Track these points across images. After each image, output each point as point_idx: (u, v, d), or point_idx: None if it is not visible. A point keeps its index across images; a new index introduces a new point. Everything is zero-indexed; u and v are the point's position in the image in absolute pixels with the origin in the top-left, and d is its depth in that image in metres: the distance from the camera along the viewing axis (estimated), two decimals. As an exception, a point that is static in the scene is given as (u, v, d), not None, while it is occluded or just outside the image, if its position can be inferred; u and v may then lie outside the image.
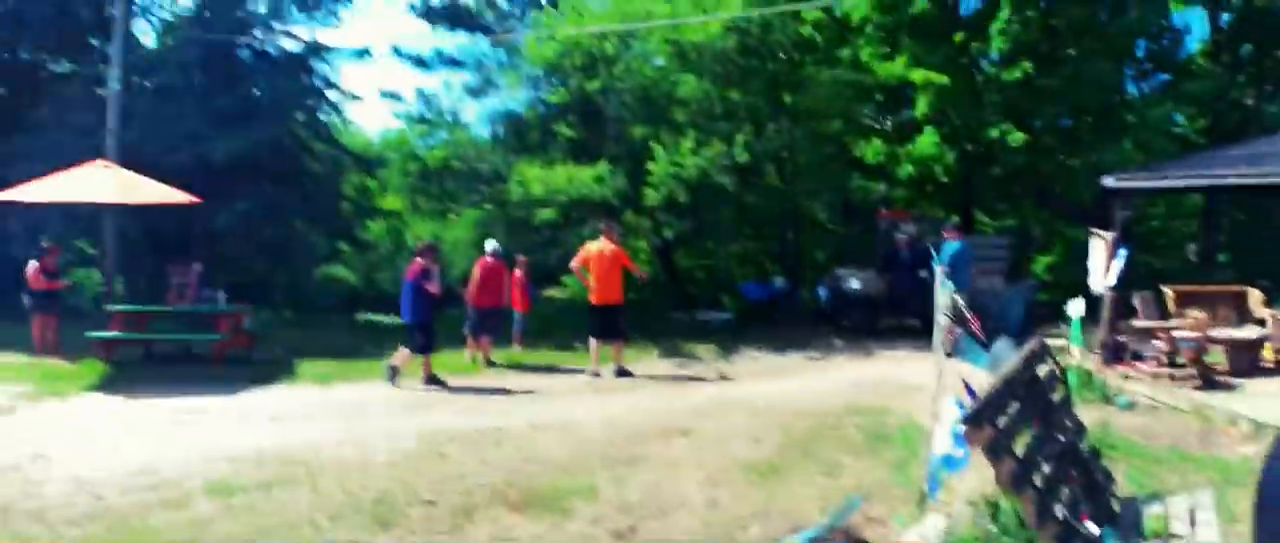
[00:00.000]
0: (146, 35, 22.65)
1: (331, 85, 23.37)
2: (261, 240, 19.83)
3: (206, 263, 15.64)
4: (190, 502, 6.26)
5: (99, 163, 13.78)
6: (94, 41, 21.04)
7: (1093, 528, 4.17)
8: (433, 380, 11.31)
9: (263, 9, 22.19)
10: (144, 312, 13.57)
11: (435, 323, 11.79)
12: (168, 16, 22.19)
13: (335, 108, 24.79)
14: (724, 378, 12.31)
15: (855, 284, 16.92)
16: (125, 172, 13.80)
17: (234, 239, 19.85)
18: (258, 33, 22.11)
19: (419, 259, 11.64)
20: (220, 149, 18.52)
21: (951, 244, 13.58)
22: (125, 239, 18.26)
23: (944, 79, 17.63)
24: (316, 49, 22.52)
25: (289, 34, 22.52)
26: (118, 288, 17.96)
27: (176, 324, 14.11)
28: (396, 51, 23.27)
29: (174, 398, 9.98)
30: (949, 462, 4.42)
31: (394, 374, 11.23)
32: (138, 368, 12.03)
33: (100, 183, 12.97)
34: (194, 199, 14.39)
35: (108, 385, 10.73)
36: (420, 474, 7.04)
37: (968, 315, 5.94)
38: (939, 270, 6.55)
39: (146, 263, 22.27)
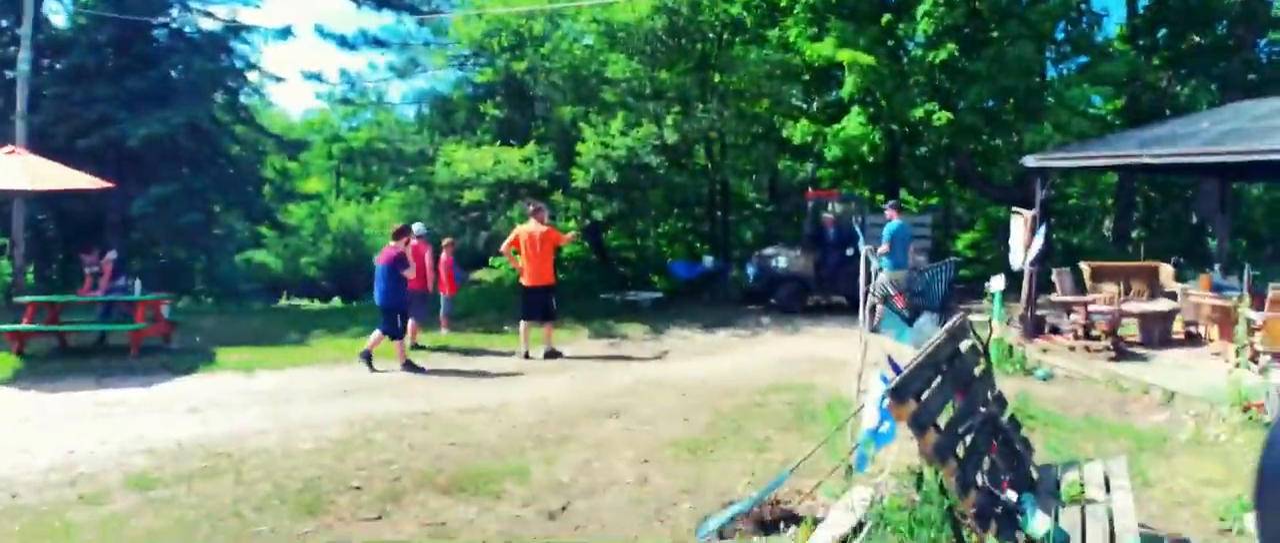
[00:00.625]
0: (57, 15, 21.90)
1: (252, 66, 22.81)
2: (179, 226, 19.26)
3: (122, 250, 15.15)
4: (109, 497, 6.06)
5: (7, 148, 13.19)
6: (2, 22, 20.19)
7: (1012, 495, 4.26)
8: (409, 366, 11.19)
9: (179, -14, 21.53)
10: (57, 302, 13.07)
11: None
12: (79, -5, 21.39)
13: (256, 89, 24.24)
14: (654, 357, 12.33)
15: (783, 263, 17.10)
16: (35, 157, 13.23)
17: (151, 225, 19.29)
18: (174, 12, 21.47)
19: (394, 243, 11.48)
20: (135, 132, 17.95)
21: (892, 224, 13.77)
22: (36, 227, 17.59)
23: (871, 60, 17.85)
24: (236, 29, 21.93)
25: (207, 13, 21.91)
26: (29, 278, 17.32)
27: (91, 314, 13.62)
28: (319, 31, 22.90)
29: (90, 391, 9.64)
30: (877, 437, 4.47)
31: (369, 359, 11.10)
32: (52, 361, 11.57)
33: (9, 169, 12.37)
34: (107, 184, 13.89)
35: (20, 380, 10.31)
36: (347, 461, 6.93)
37: (893, 293, 6.01)
38: (868, 250, 6.63)
39: (59, 252, 21.57)
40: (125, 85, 19.00)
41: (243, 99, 23.58)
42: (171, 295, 15.30)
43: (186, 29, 21.63)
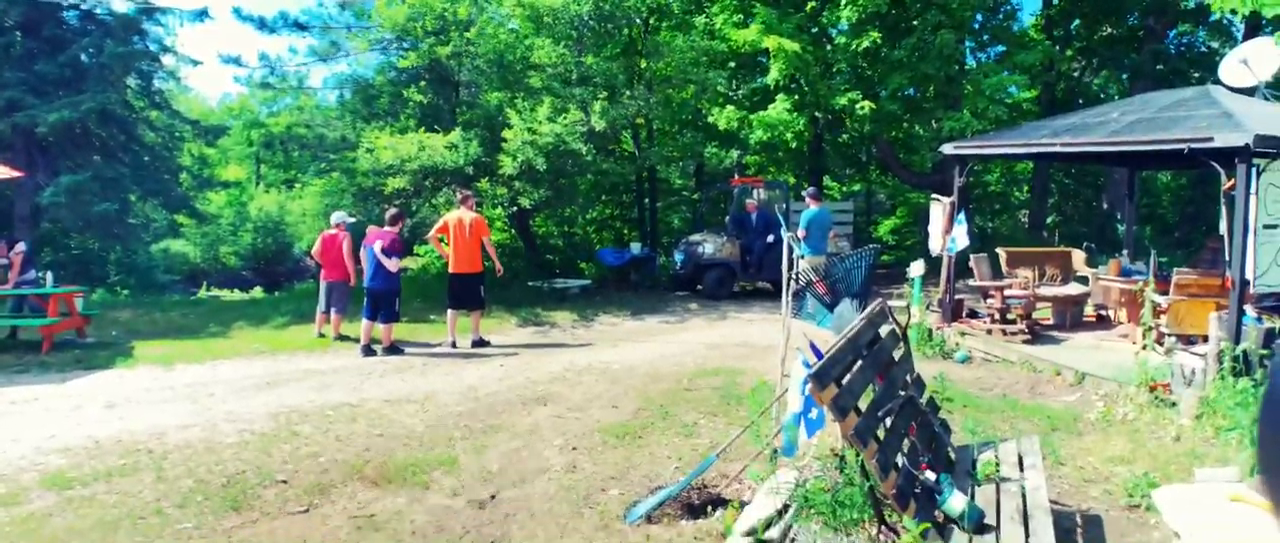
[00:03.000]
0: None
1: (167, 50, 22.07)
2: (93, 216, 18.62)
3: (33, 241, 14.60)
4: (26, 497, 5.87)
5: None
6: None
7: (930, 476, 4.40)
8: (392, 349, 11.51)
9: (90, -34, 20.77)
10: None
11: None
12: (-16, -24, 20.50)
13: (171, 73, 23.45)
14: (583, 345, 12.34)
15: (709, 249, 17.26)
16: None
17: (62, 215, 18.63)
18: (85, -8, 20.70)
19: (390, 228, 11.60)
20: (45, 119, 17.31)
21: (810, 211, 13.97)
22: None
23: (795, 47, 18.05)
24: (149, 10, 21.20)
25: (120, -6, 21.18)
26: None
27: (0, 309, 13.11)
28: (237, 13, 22.15)
29: (0, 388, 9.35)
30: (809, 424, 4.56)
31: (369, 350, 11.40)
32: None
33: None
34: (16, 173, 13.37)
35: (-79, 372, 9.94)
36: (272, 455, 6.82)
37: (814, 278, 6.11)
38: (789, 236, 6.72)
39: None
40: (34, 70, 18.31)
41: (158, 83, 22.82)
42: (85, 288, 14.81)
43: (98, 11, 20.87)
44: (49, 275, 12.90)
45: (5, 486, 6.09)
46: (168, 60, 22.48)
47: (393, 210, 12.11)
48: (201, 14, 21.38)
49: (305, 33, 21.87)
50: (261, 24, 22.05)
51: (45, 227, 19.76)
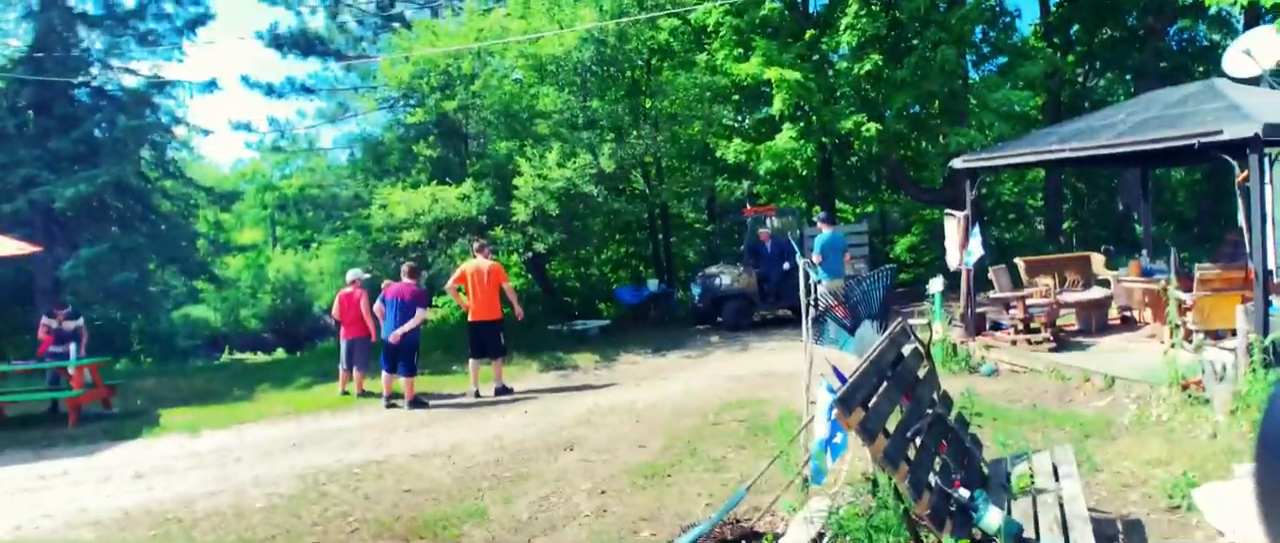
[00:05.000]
0: (-27, 79, 21.30)
1: (178, 120, 22.47)
2: (113, 286, 18.84)
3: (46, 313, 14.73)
4: (53, 570, 5.90)
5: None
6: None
7: (964, 493, 4.34)
8: (416, 403, 11.53)
9: (99, 46, 21.16)
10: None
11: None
12: (-2, 58, 20.92)
13: (184, 143, 23.84)
14: (606, 385, 12.31)
15: (726, 280, 17.23)
16: (-44, 225, 12.89)
17: (83, 287, 18.84)
18: (95, 70, 21.09)
19: (411, 281, 11.78)
20: (62, 193, 17.58)
21: (824, 235, 13.95)
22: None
23: (797, 76, 18.10)
24: (160, 84, 21.61)
25: (129, 70, 21.57)
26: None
27: (31, 383, 13.18)
28: (246, 80, 22.55)
29: (30, 463, 9.38)
30: (832, 447, 4.52)
31: (391, 403, 11.55)
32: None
33: (-70, 239, 12.05)
34: (34, 248, 13.55)
35: (-46, 456, 10.00)
36: (301, 517, 6.81)
37: (832, 303, 6.09)
38: (805, 262, 6.71)
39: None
40: (48, 146, 18.63)
41: (171, 154, 23.20)
42: (109, 358, 14.90)
43: (109, 87, 21.27)
44: (72, 347, 13.01)
45: (40, 565, 6.11)
46: (180, 131, 22.89)
47: (408, 264, 12.22)
48: (211, 84, 21.74)
49: (313, 96, 22.25)
50: (269, 90, 22.42)
51: (66, 299, 19.98)
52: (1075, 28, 24.55)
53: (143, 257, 20.47)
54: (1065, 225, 25.18)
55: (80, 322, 13.25)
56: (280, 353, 23.76)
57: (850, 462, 5.25)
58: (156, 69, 21.91)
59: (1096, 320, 12.08)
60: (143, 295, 21.11)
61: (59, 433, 10.99)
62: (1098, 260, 13.48)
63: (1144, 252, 13.42)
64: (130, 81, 21.51)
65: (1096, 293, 12.49)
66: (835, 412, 4.08)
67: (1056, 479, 4.91)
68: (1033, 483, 4.87)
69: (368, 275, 13.41)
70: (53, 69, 18.95)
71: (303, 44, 22.83)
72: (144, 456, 9.52)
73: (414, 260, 13.18)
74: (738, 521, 5.65)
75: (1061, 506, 4.53)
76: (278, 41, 22.63)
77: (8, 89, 19.50)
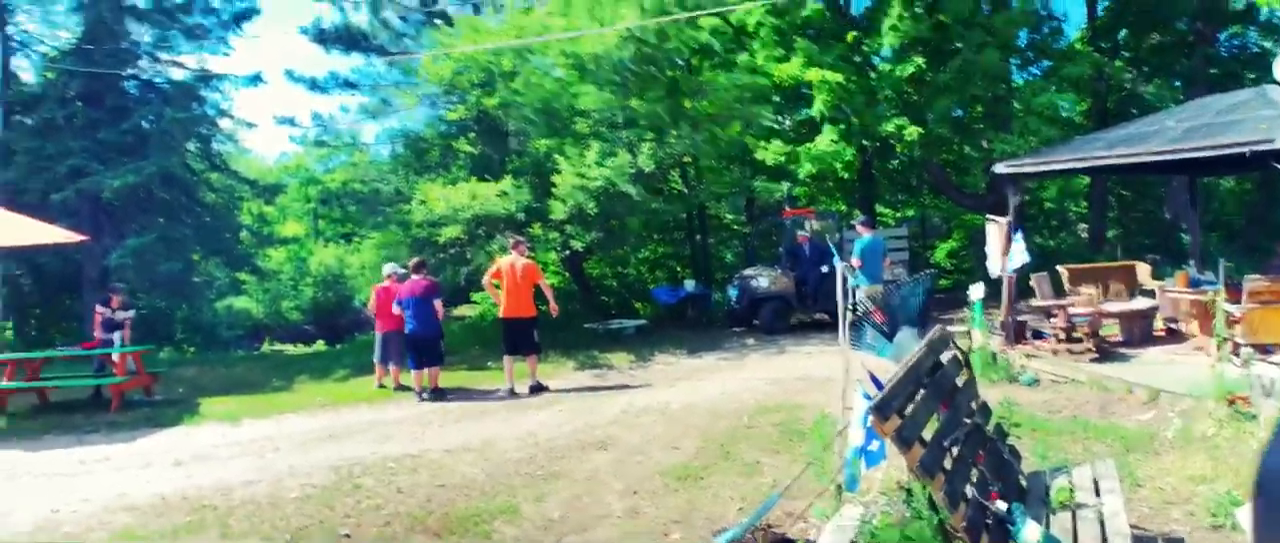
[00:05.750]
0: (26, 72, 21.80)
1: (224, 114, 22.82)
2: (158, 276, 19.20)
3: (95, 302, 15.01)
4: (92, 555, 5.98)
5: (-21, 205, 13.11)
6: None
7: (1002, 505, 4.26)
8: (436, 393, 11.85)
9: (147, 39, 21.52)
10: (36, 358, 12.92)
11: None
12: (48, 50, 21.32)
13: (229, 136, 24.17)
14: (640, 385, 12.29)
15: (764, 282, 17.14)
16: (7, 213, 13.13)
17: (129, 276, 19.19)
18: (143, 63, 21.45)
19: (421, 275, 12.07)
20: (110, 184, 17.90)
21: (863, 239, 13.83)
22: (12, 284, 17.47)
23: (838, 77, 17.98)
24: (206, 78, 21.95)
25: (177, 63, 21.93)
26: (7, 335, 17.15)
27: (75, 370, 13.44)
28: (290, 75, 22.84)
29: (72, 448, 9.54)
30: (868, 455, 4.46)
31: (439, 394, 11.78)
32: (33, 418, 11.43)
33: (-19, 226, 12.30)
34: (82, 238, 13.81)
35: (1, 439, 10.19)
36: (335, 508, 6.86)
37: (871, 308, 6.02)
38: (843, 266, 6.65)
39: (36, 307, 21.40)
40: (97, 138, 18.97)
41: (216, 146, 23.56)
42: (152, 346, 15.15)
43: (156, 80, 21.63)
44: (117, 335, 13.23)
45: (77, 548, 6.20)
46: (225, 124, 23.24)
47: (417, 260, 12.53)
48: (256, 78, 22.05)
49: (356, 91, 22.43)
50: (313, 85, 22.64)
51: (122, 288, 20.39)
52: (1123, 33, 24.16)
53: (188, 247, 20.81)
54: (1110, 234, 24.82)
55: (132, 312, 13.51)
56: (320, 345, 24.00)
57: (885, 470, 5.19)
58: (203, 62, 22.30)
59: (1141, 331, 11.86)
60: (187, 285, 21.47)
61: (101, 419, 11.17)
62: (1143, 270, 13.24)
63: (1191, 262, 13.17)
64: (177, 74, 21.91)
65: (1141, 303, 12.27)
66: (871, 418, 4.02)
67: (1097, 494, 4.82)
68: (1073, 497, 4.77)
69: (404, 270, 13.50)
70: (102, 61, 19.31)
71: (346, 39, 23.04)
72: (184, 443, 9.66)
73: (421, 258, 13.28)
74: (770, 526, 5.61)
75: (1102, 522, 4.44)
76: (322, 37, 22.86)
77: (58, 80, 19.87)
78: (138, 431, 10.42)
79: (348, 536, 6.22)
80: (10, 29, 19.91)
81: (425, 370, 11.81)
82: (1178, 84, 23.78)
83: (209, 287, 24.91)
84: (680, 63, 19.27)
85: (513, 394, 11.82)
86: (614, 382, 12.83)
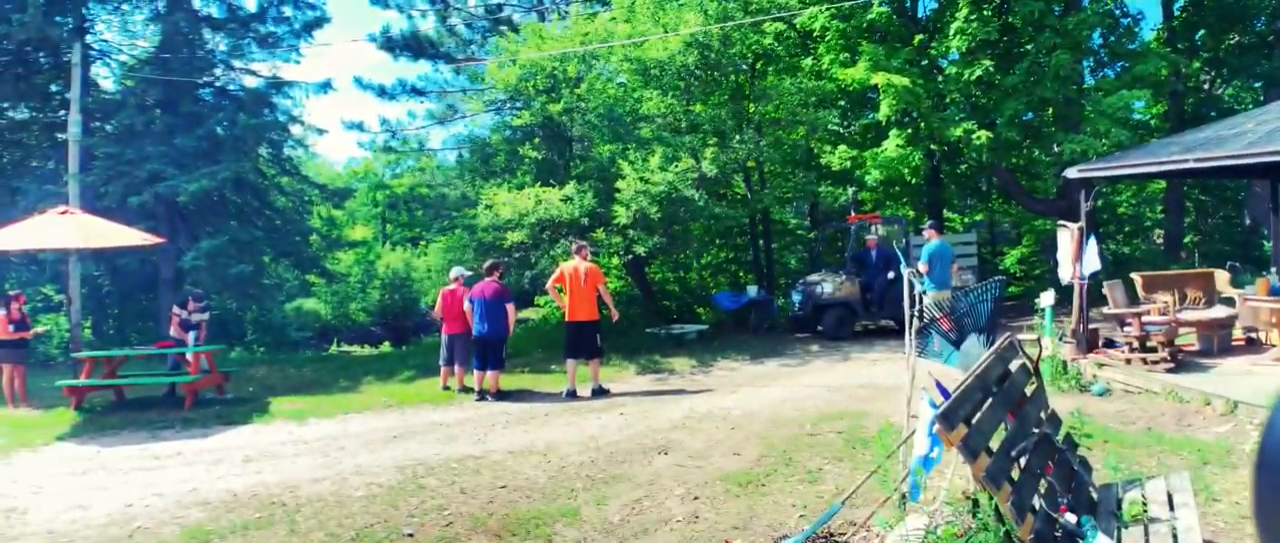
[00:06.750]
0: (105, 79, 22.54)
1: (295, 120, 23.31)
2: (230, 277, 19.65)
3: (172, 302, 15.47)
4: (166, 550, 6.15)
5: (61, 209, 13.61)
6: (53, 87, 20.89)
7: (1071, 518, 4.18)
8: (500, 395, 12.11)
9: (222, 48, 22.11)
10: (114, 356, 13.37)
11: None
12: (126, 59, 22.03)
13: (299, 142, 24.70)
14: (702, 391, 12.27)
15: (828, 288, 16.98)
16: (87, 216, 13.62)
17: (202, 277, 19.72)
18: (218, 71, 22.03)
19: (492, 278, 12.27)
20: (185, 188, 18.40)
21: (931, 244, 13.64)
22: (91, 284, 18.05)
23: (905, 81, 17.76)
24: (278, 84, 22.47)
25: (250, 71, 22.49)
26: (86, 333, 17.73)
27: (151, 367, 13.90)
28: (359, 82, 23.26)
29: (146, 444, 9.84)
30: (925, 461, 4.41)
31: (500, 397, 12.00)
32: (109, 414, 11.82)
33: (63, 229, 12.77)
34: (159, 240, 14.24)
35: (79, 434, 10.54)
36: (399, 508, 6.96)
37: (938, 314, 5.93)
38: (909, 272, 6.56)
39: (114, 306, 22.09)
40: (174, 143, 19.50)
41: (287, 151, 24.07)
42: (224, 346, 15.53)
43: (231, 87, 22.20)
44: (191, 335, 13.62)
45: (148, 539, 6.38)
46: (296, 130, 23.73)
47: (489, 262, 12.66)
48: (326, 85, 22.48)
49: (423, 98, 22.82)
50: (381, 92, 23.06)
51: (202, 291, 21.00)
52: (1201, 33, 23.50)
53: (259, 250, 21.28)
54: (1186, 240, 24.12)
55: (207, 314, 13.92)
56: (386, 347, 24.40)
57: (950, 479, 5.11)
58: (275, 70, 22.80)
59: (1219, 341, 11.50)
60: (258, 287, 21.95)
61: (175, 416, 11.49)
62: (1222, 277, 12.85)
63: (1273, 269, 12.75)
64: (251, 82, 22.44)
65: (1220, 312, 11.90)
66: (937, 427, 3.97)
67: (1171, 508, 4.69)
68: (1145, 511, 4.65)
69: (470, 273, 13.68)
70: (178, 69, 19.87)
71: (414, 47, 23.45)
72: (254, 440, 9.89)
73: (496, 260, 13.41)
74: (831, 534, 5.56)
75: (1175, 537, 4.32)
76: (390, 44, 23.30)
77: (136, 88, 20.50)
78: (209, 428, 10.70)
79: (411, 535, 6.31)
80: (90, 38, 20.58)
81: (488, 373, 11.98)
82: (1258, 86, 23.06)
83: (279, 288, 25.44)
84: (744, 68, 19.23)
85: (574, 396, 11.89)
86: (676, 386, 12.82)
